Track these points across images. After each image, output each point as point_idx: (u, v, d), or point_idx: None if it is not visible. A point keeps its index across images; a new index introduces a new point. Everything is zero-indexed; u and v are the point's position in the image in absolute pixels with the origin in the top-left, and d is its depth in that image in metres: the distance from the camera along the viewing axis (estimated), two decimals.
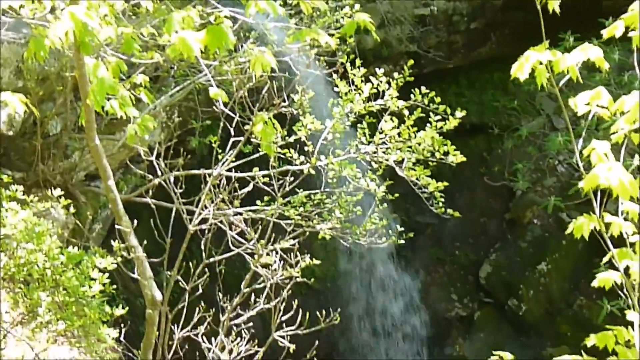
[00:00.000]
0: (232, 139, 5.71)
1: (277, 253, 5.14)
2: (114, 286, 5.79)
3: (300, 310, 5.23)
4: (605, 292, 14.34)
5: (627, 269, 3.55)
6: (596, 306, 14.16)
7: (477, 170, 16.32)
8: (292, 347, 4.95)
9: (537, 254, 15.34)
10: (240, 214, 6.78)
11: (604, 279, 3.45)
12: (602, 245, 13.64)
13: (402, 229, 8.47)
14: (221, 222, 6.17)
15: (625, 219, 3.74)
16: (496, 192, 16.32)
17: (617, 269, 3.52)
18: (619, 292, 3.81)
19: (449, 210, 8.70)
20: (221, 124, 5.90)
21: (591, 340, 3.53)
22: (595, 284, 3.48)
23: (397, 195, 8.50)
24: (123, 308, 5.76)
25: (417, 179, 7.87)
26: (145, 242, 5.11)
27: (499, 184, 16.18)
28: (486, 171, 16.37)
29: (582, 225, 3.41)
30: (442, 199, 8.38)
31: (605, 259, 3.48)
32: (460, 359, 15.35)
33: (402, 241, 8.48)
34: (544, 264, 15.20)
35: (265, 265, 5.25)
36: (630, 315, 3.42)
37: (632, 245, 3.35)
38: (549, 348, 14.39)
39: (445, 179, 8.76)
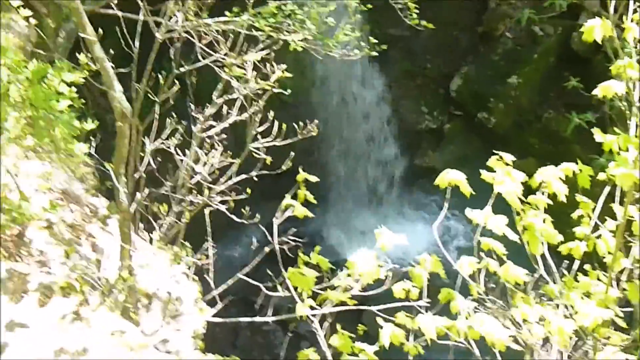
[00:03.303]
0: None
1: (249, 64, 5.00)
2: (83, 101, 5.65)
3: (276, 123, 5.17)
4: (574, 106, 14.42)
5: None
6: (564, 119, 14.34)
7: None
8: (269, 158, 4.93)
9: (508, 67, 15.31)
10: (209, 25, 6.56)
11: (606, 87, 3.34)
12: (572, 60, 13.54)
13: (378, 41, 8.30)
14: (189, 33, 5.98)
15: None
16: (469, 5, 15.99)
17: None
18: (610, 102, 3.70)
19: (423, 22, 8.52)
20: None
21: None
22: (597, 92, 3.38)
23: (370, 6, 8.29)
24: (86, 122, 5.65)
25: None
26: (112, 51, 4.94)
27: None
28: None
29: (592, 29, 3.24)
30: (417, 11, 8.17)
31: (613, 70, 3.34)
32: (430, 169, 15.61)
33: (376, 53, 8.35)
34: (515, 77, 15.20)
35: (238, 77, 5.13)
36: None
37: None
38: (516, 160, 14.65)
39: None
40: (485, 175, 3.43)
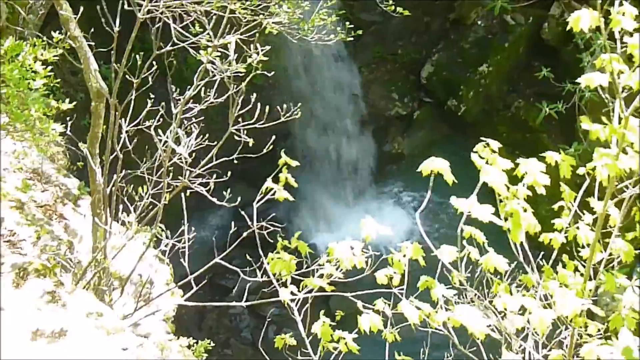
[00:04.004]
0: None
1: (231, 46, 4.95)
2: (57, 80, 5.57)
3: (258, 105, 5.13)
4: (544, 95, 14.50)
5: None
6: (534, 108, 14.44)
7: None
8: (251, 141, 4.90)
9: (478, 55, 15.38)
10: (185, 6, 6.49)
11: (590, 78, 3.33)
12: (542, 49, 13.57)
13: (352, 25, 8.27)
14: (164, 14, 5.90)
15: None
16: None
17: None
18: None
19: (399, 9, 8.51)
20: None
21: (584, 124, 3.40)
22: (581, 81, 3.37)
23: None
24: (64, 102, 5.57)
25: None
26: (92, 30, 4.87)
27: None
28: None
29: (579, 19, 3.22)
30: None
31: (597, 63, 3.33)
32: (399, 155, 15.70)
33: (351, 38, 8.32)
34: (485, 65, 15.29)
35: (217, 59, 5.07)
36: (631, 120, 3.28)
37: (625, 46, 3.20)
38: None
39: None
40: (475, 159, 3.43)
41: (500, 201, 3.39)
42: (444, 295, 3.66)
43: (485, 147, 3.46)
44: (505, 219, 3.41)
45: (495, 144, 3.47)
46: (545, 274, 3.75)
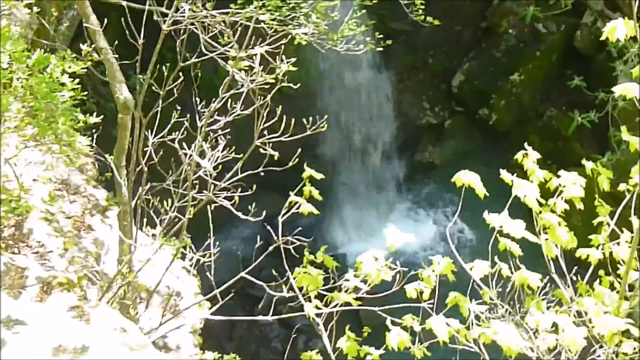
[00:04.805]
0: None
1: (256, 57, 4.91)
2: (85, 92, 5.56)
3: (277, 116, 5.07)
4: (576, 104, 14.33)
5: None
6: (566, 117, 14.27)
7: None
8: (276, 154, 4.84)
9: (510, 63, 15.22)
10: (214, 16, 6.45)
11: (627, 89, 3.22)
12: (574, 58, 13.40)
13: (381, 35, 8.20)
14: (193, 24, 5.87)
15: None
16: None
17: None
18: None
19: (429, 18, 8.42)
20: None
21: None
22: (616, 91, 3.26)
23: (375, 0, 8.17)
24: (92, 114, 5.55)
25: None
26: (116, 42, 4.85)
27: None
28: None
29: (615, 29, 3.13)
30: (423, 6, 8.09)
31: (634, 72, 3.23)
32: (430, 165, 15.57)
33: (381, 48, 8.24)
34: (517, 74, 15.12)
35: (243, 70, 5.03)
36: None
37: None
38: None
39: None
40: (504, 176, 3.34)
41: (540, 212, 3.29)
42: (474, 311, 3.56)
43: (524, 156, 3.37)
44: (539, 233, 3.31)
45: (535, 155, 3.37)
46: (580, 290, 3.64)
